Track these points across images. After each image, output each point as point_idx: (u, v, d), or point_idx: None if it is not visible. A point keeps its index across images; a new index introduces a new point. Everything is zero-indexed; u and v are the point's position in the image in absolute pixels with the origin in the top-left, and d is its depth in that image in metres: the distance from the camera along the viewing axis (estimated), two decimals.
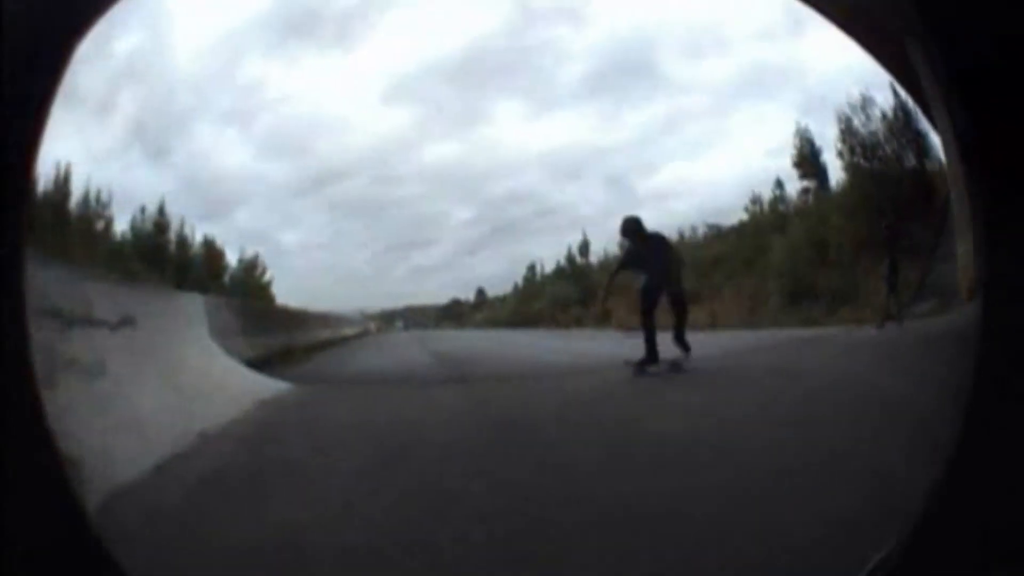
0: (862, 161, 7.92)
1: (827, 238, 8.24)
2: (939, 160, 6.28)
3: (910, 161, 7.54)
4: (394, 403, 6.08)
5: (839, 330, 7.41)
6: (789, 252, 8.61)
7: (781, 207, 9.11)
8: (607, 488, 3.05)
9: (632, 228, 7.01)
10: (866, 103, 7.61)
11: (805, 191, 8.85)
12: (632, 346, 6.61)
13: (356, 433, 4.76)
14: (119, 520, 2.45)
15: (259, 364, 6.63)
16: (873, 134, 7.73)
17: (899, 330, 6.52)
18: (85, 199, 5.29)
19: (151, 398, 3.65)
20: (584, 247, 10.56)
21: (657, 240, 7.07)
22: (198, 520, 2.90)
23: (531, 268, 11.35)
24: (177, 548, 2.56)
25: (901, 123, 7.48)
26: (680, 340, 6.74)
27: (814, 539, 2.32)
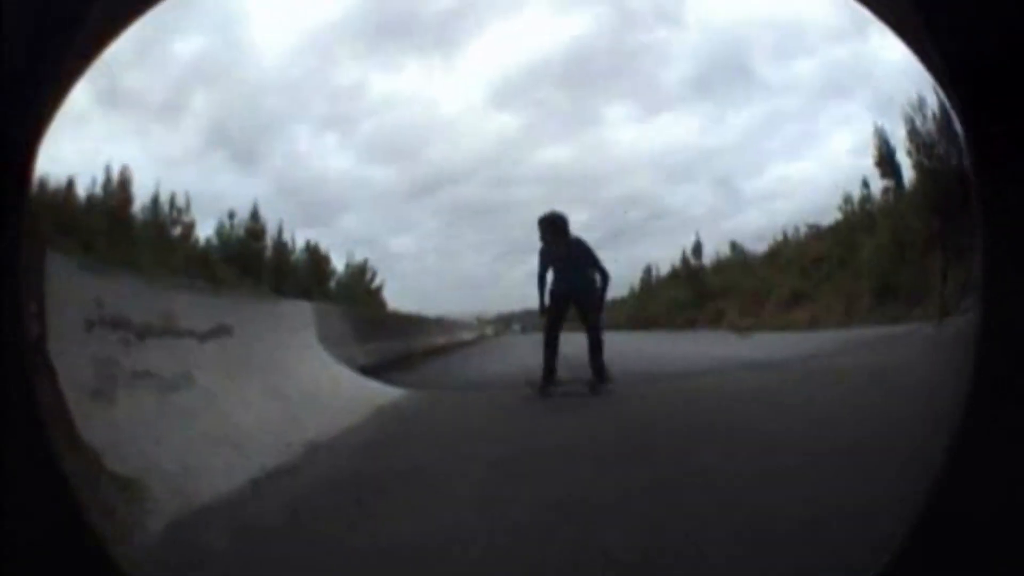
0: (924, 160, 8.03)
1: (904, 237, 8.43)
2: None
3: (955, 160, 7.41)
4: (514, 408, 5.92)
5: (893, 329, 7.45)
6: (875, 251, 8.83)
7: (868, 206, 9.39)
8: (736, 493, 2.84)
9: (552, 227, 6.24)
10: (921, 103, 7.71)
11: (886, 190, 9.05)
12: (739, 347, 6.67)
13: (477, 439, 4.52)
14: (201, 540, 2.19)
15: (373, 371, 6.54)
16: (929, 134, 7.81)
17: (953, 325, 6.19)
18: (155, 204, 5.31)
19: (248, 409, 3.44)
20: (697, 249, 10.89)
21: (576, 245, 6.30)
22: (301, 536, 2.63)
23: (647, 271, 11.82)
24: (276, 561, 2.29)
25: (946, 123, 7.41)
26: (596, 366, 6.14)
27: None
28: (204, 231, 6.21)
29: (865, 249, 9.04)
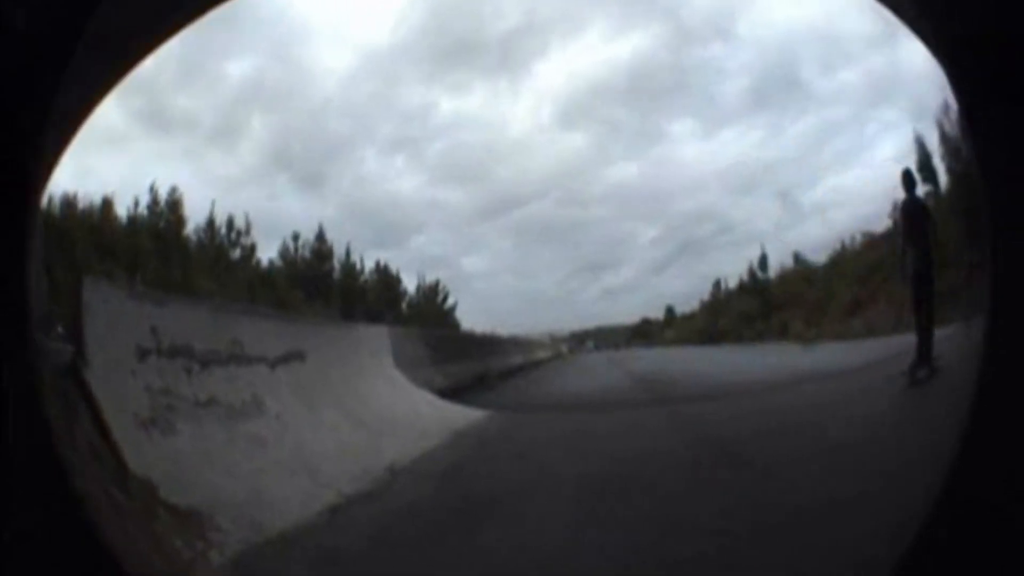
0: (954, 164, 8.00)
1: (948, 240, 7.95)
2: None
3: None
4: (596, 428, 5.70)
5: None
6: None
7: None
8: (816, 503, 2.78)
9: None
10: (947, 107, 7.31)
11: (928, 195, 8.61)
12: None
13: (560, 460, 4.36)
14: (273, 570, 2.05)
15: (452, 393, 6.42)
16: (956, 138, 7.74)
17: None
18: (211, 227, 5.30)
19: (325, 435, 3.34)
20: (763, 261, 11.11)
21: None
22: (382, 565, 2.53)
23: (716, 285, 11.94)
24: None
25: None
26: None
27: None
28: (266, 254, 6.28)
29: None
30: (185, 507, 1.81)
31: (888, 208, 9.23)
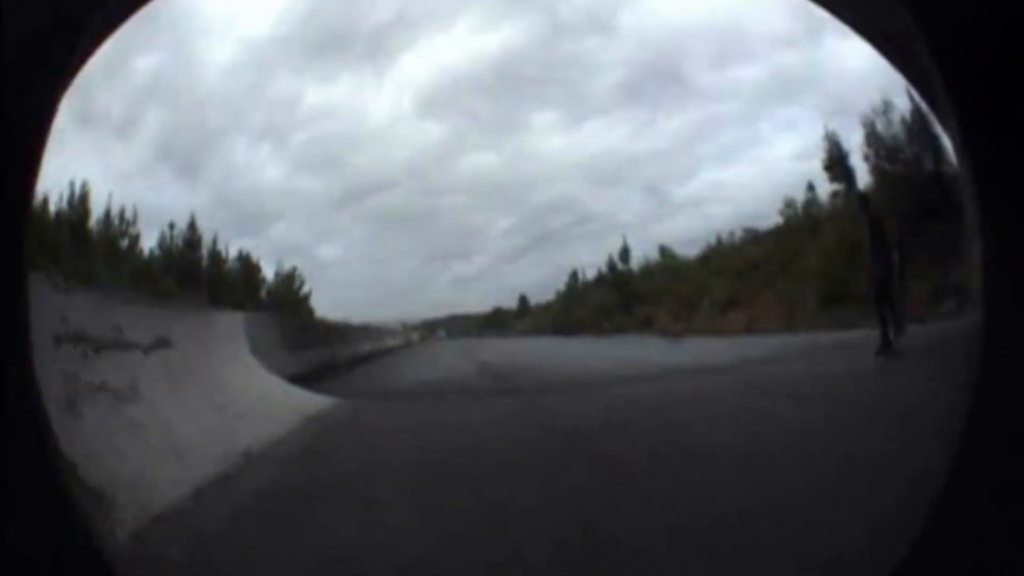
0: (886, 165, 7.92)
1: (858, 241, 8.08)
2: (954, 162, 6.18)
3: (928, 165, 7.46)
4: (442, 415, 6.00)
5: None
6: (822, 256, 8.57)
7: (814, 210, 9.26)
8: (661, 495, 2.98)
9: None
10: (887, 107, 7.64)
11: (835, 194, 8.94)
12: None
13: (406, 447, 4.64)
14: (155, 549, 2.32)
15: (303, 379, 6.58)
16: (895, 138, 7.74)
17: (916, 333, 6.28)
18: (107, 218, 5.26)
19: (190, 420, 3.53)
20: (624, 253, 10.99)
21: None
22: (242, 544, 2.76)
23: (573, 276, 11.70)
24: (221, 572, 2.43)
25: (919, 127, 7.41)
26: None
27: (829, 542, 2.28)
28: (149, 243, 6.13)
29: (810, 254, 8.88)
30: (94, 485, 2.05)
31: (779, 206, 9.50)
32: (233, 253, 6.65)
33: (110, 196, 5.65)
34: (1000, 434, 1.37)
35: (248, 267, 6.74)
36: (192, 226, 6.02)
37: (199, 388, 4.00)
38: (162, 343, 3.56)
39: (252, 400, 4.94)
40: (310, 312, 8.00)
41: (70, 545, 1.46)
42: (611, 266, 10.86)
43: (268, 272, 7.47)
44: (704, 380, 6.61)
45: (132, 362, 3.10)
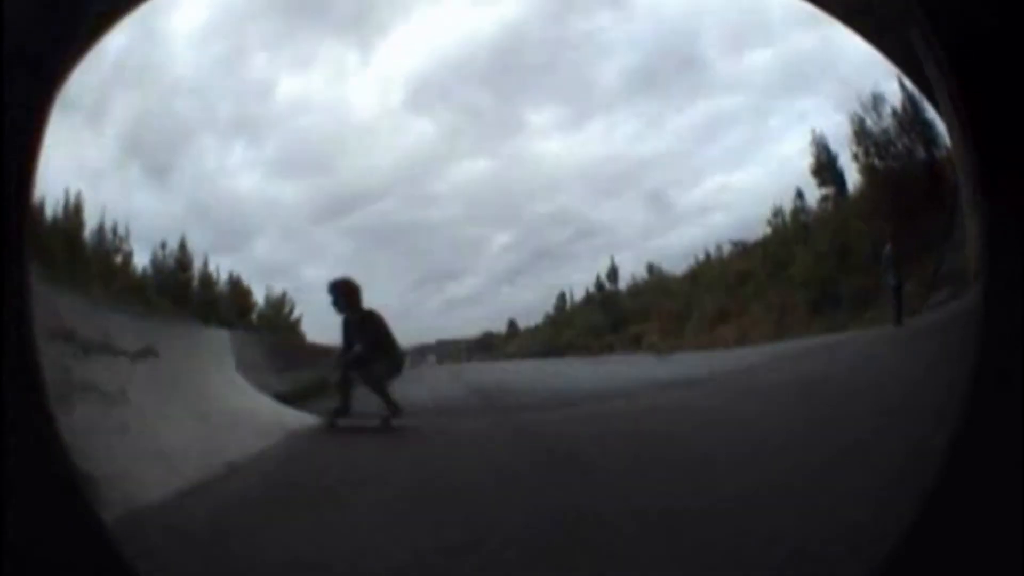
0: (876, 161, 7.82)
1: (848, 243, 8.18)
2: (947, 148, 6.00)
3: (920, 154, 7.37)
4: (426, 433, 6.06)
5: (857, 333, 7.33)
6: (811, 262, 8.55)
7: (803, 217, 8.95)
8: (647, 509, 2.99)
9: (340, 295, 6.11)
10: (876, 101, 7.48)
11: (825, 199, 8.68)
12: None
13: (390, 465, 4.70)
14: (140, 539, 2.45)
15: (289, 398, 6.66)
16: (884, 132, 7.61)
17: (914, 323, 6.35)
18: (64, 209, 5.21)
19: (175, 427, 3.68)
20: (613, 273, 10.47)
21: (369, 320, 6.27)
22: (220, 545, 2.88)
23: (561, 297, 11.14)
24: (199, 568, 2.56)
25: (911, 116, 7.29)
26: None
27: (822, 542, 2.33)
28: (135, 246, 6.09)
29: (797, 261, 8.77)
30: (84, 473, 2.19)
31: (767, 213, 8.88)
32: (224, 276, 6.71)
33: (103, 209, 5.61)
34: (995, 426, 1.37)
35: (237, 291, 6.82)
36: (183, 246, 6.11)
37: (185, 399, 4.15)
38: (149, 352, 3.71)
39: (237, 415, 5.07)
40: (302, 337, 8.07)
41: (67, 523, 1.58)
42: (599, 286, 10.55)
43: (258, 295, 7.52)
44: (687, 392, 6.65)
45: (120, 367, 3.26)
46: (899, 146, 7.51)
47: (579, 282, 10.67)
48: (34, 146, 1.62)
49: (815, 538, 2.38)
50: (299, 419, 6.15)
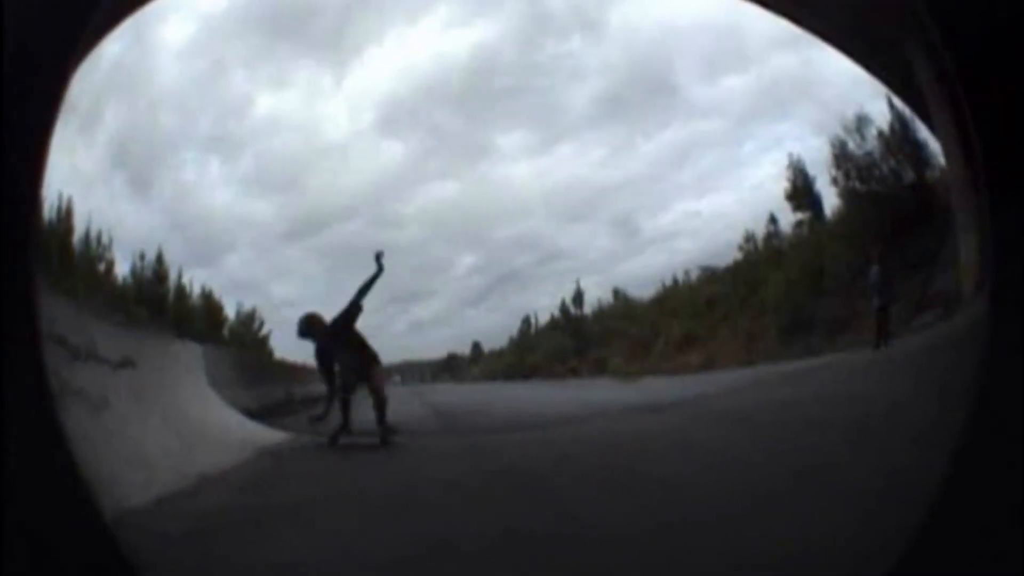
0: (857, 184, 7.70)
1: (824, 267, 8.08)
2: (939, 167, 6.29)
3: (909, 174, 7.32)
4: (389, 453, 6.06)
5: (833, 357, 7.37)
6: (784, 286, 8.48)
7: (775, 242, 8.96)
8: (609, 531, 3.01)
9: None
10: (860, 122, 7.41)
11: (799, 224, 8.67)
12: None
13: (354, 482, 4.76)
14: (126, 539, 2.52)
15: (257, 414, 6.69)
16: (868, 154, 7.51)
17: (903, 343, 6.40)
18: (57, 213, 5.19)
19: (152, 437, 3.74)
20: (578, 297, 10.60)
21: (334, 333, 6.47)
22: (197, 553, 2.95)
23: (525, 321, 11.33)
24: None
25: (899, 136, 7.20)
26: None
27: (785, 567, 2.34)
28: (116, 252, 6.04)
29: (770, 286, 8.60)
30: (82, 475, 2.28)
31: (739, 239, 8.98)
32: (197, 289, 6.73)
33: (90, 217, 5.57)
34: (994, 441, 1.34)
35: (210, 304, 6.86)
36: (160, 258, 6.14)
37: (161, 410, 4.21)
38: (128, 363, 3.79)
39: (209, 429, 5.12)
40: (270, 354, 8.09)
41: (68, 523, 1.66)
42: (563, 310, 10.59)
43: (229, 310, 7.53)
44: (651, 416, 6.70)
45: (105, 375, 3.34)
46: (885, 167, 7.43)
47: (544, 306, 10.93)
48: (41, 148, 1.63)
49: (779, 563, 2.36)
50: (268, 435, 6.20)
